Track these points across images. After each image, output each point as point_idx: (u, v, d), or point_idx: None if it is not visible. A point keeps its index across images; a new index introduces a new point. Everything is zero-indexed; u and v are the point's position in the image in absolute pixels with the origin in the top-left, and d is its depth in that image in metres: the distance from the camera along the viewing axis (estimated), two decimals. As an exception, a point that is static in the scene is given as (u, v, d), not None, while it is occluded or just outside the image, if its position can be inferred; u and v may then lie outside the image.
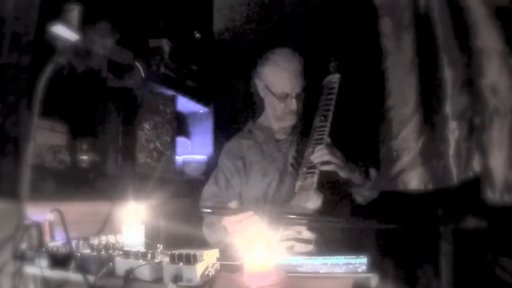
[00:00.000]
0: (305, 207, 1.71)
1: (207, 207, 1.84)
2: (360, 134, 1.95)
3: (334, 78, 1.98)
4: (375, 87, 1.70)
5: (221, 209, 1.78)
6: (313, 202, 1.71)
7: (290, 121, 2.00)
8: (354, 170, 1.84)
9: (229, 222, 1.70)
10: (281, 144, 2.05)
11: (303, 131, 2.02)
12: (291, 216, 1.68)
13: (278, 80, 1.95)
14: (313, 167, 1.80)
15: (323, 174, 1.78)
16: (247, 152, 2.04)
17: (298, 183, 1.82)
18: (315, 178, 1.76)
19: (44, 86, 1.79)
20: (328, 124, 1.88)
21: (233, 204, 1.72)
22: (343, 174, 1.80)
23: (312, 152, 1.83)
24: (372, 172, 1.91)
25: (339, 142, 1.87)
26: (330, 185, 1.83)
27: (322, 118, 1.91)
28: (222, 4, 2.93)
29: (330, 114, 1.90)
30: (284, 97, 1.95)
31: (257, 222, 1.64)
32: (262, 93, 2.03)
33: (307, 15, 2.57)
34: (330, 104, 1.92)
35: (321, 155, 1.79)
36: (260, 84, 2.03)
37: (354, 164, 1.85)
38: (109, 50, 2.07)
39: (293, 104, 1.95)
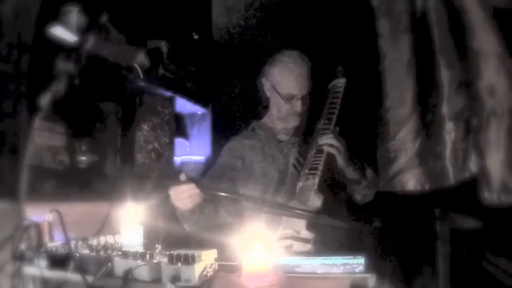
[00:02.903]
0: (305, 207, 1.72)
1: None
2: (358, 136, 1.96)
3: (340, 83, 2.00)
4: (373, 88, 1.71)
5: (167, 180, 1.84)
6: (314, 202, 1.73)
7: (293, 122, 2.01)
8: (350, 163, 1.86)
9: (173, 192, 1.75)
10: (283, 145, 2.06)
11: (306, 133, 2.03)
12: (289, 211, 1.70)
13: (285, 81, 1.97)
14: (315, 168, 1.82)
15: (322, 176, 1.80)
16: (249, 152, 2.05)
17: (300, 184, 1.84)
18: (316, 179, 1.79)
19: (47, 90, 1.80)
20: (332, 127, 1.90)
21: (182, 176, 1.75)
22: (340, 161, 1.83)
23: (314, 154, 1.85)
24: (369, 172, 1.92)
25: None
26: (330, 187, 1.85)
27: (326, 121, 1.93)
28: (221, 5, 2.94)
29: (334, 117, 1.92)
30: (290, 98, 1.97)
31: (198, 196, 1.73)
32: (268, 93, 2.05)
33: (307, 17, 2.58)
34: (335, 108, 1.95)
35: (327, 138, 1.84)
36: (266, 84, 2.04)
37: (351, 160, 1.87)
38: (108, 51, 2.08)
39: (298, 106, 1.96)
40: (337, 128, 1.90)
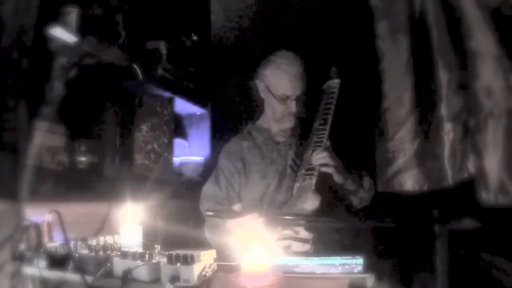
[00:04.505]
0: (303, 208, 1.73)
1: (210, 211, 1.83)
2: (355, 140, 1.97)
3: (334, 83, 2.00)
4: (371, 90, 1.71)
5: (225, 212, 1.80)
6: (311, 203, 1.73)
7: (289, 123, 2.01)
8: (347, 176, 1.86)
9: (235, 224, 1.71)
10: (280, 146, 2.06)
11: (302, 134, 2.03)
12: (289, 217, 1.70)
13: (279, 82, 1.97)
14: (312, 169, 1.82)
15: (319, 176, 1.80)
16: (247, 153, 2.05)
17: (297, 185, 1.84)
18: (313, 180, 1.79)
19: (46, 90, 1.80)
20: (328, 127, 1.90)
21: (237, 207, 1.72)
22: (337, 178, 1.83)
23: (311, 154, 1.85)
24: (366, 180, 1.93)
25: (335, 147, 1.89)
26: (327, 187, 1.85)
27: (322, 121, 1.93)
28: (219, 7, 2.94)
29: (330, 118, 1.92)
30: (284, 99, 1.97)
31: (261, 223, 1.65)
32: (263, 94, 2.05)
33: (306, 18, 2.58)
34: (330, 108, 1.95)
35: (320, 157, 1.82)
36: (261, 85, 2.04)
37: (347, 171, 1.87)
38: (107, 52, 2.08)
39: (292, 107, 1.96)
40: (329, 143, 1.88)
